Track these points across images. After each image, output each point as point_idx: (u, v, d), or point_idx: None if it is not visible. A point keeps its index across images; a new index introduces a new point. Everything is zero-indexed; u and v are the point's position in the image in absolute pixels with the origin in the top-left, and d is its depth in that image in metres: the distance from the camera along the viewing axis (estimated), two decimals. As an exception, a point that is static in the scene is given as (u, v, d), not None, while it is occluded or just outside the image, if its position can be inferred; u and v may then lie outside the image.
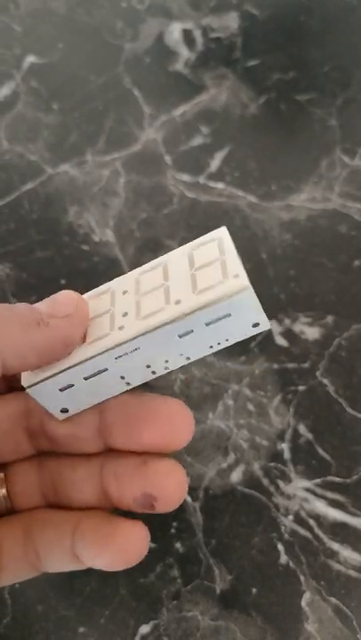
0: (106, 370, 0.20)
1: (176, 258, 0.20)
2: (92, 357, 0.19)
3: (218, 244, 0.20)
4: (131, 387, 0.21)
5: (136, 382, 0.20)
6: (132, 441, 0.21)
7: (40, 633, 0.31)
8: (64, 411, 0.21)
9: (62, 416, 0.21)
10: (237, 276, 0.18)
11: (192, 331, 0.19)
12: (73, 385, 0.20)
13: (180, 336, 0.19)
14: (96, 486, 0.22)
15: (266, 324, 0.19)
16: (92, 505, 0.22)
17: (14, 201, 0.40)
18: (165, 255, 0.21)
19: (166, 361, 0.20)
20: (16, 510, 0.23)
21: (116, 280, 0.21)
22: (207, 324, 0.19)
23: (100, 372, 0.20)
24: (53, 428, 0.22)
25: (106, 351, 0.19)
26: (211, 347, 0.20)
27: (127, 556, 0.21)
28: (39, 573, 0.22)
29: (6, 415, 0.22)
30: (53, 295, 0.20)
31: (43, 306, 0.20)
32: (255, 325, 0.19)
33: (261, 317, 0.19)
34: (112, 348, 0.19)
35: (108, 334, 0.19)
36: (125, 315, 0.19)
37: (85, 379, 0.20)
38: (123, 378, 0.20)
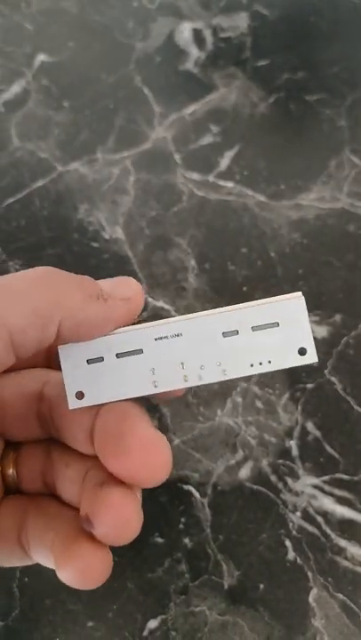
0: (141, 352, 0.19)
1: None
2: (131, 330, 0.19)
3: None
4: (157, 390, 0.20)
5: (163, 385, 0.20)
6: (104, 462, 0.20)
7: (48, 626, 0.32)
8: (79, 396, 0.20)
9: (74, 404, 0.20)
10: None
11: (237, 332, 0.19)
12: (102, 359, 0.20)
13: (224, 334, 0.19)
14: (78, 489, 0.21)
15: (313, 356, 0.19)
16: (74, 505, 0.21)
17: (25, 198, 0.40)
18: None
19: (202, 367, 0.19)
20: (22, 492, 0.23)
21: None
22: (253, 329, 0.19)
23: (134, 353, 0.19)
24: (57, 418, 0.21)
25: (148, 328, 0.19)
26: (251, 365, 0.19)
27: (84, 578, 0.19)
28: (31, 562, 0.22)
29: (22, 395, 0.22)
30: (115, 277, 0.21)
31: (104, 283, 0.20)
32: (302, 352, 0.19)
33: (309, 343, 0.19)
34: (154, 327, 0.19)
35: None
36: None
37: (117, 356, 0.20)
38: (153, 372, 0.20)
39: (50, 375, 0.23)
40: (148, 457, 0.19)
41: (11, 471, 0.23)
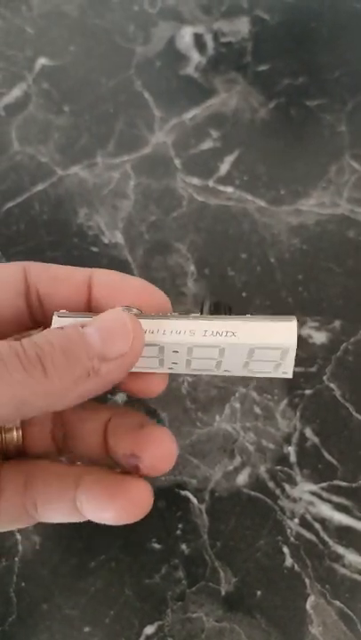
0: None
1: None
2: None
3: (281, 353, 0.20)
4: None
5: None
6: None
7: (45, 632, 0.32)
8: None
9: None
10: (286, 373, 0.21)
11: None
12: None
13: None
14: (100, 440, 0.23)
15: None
16: (94, 458, 0.23)
17: (25, 202, 0.40)
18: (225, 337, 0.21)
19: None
20: (26, 453, 0.24)
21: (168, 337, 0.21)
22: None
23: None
24: None
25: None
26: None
27: (134, 509, 0.21)
28: (34, 523, 0.23)
29: None
30: (108, 320, 0.19)
31: (96, 339, 0.19)
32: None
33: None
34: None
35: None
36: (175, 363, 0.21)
37: None
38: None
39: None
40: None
41: (15, 434, 0.24)
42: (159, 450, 0.22)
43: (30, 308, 0.23)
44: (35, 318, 0.23)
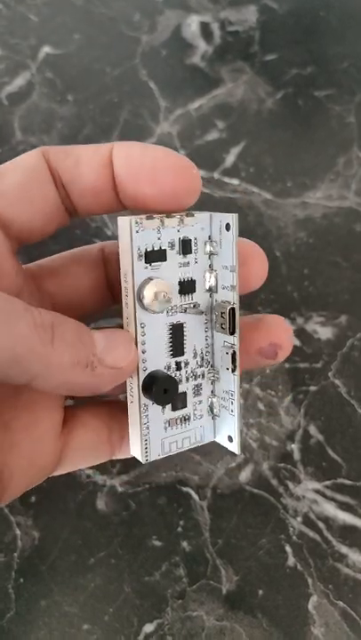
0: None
1: None
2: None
3: None
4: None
5: None
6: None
7: (43, 628, 0.31)
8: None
9: None
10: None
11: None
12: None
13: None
14: None
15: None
16: None
17: (27, 192, 0.40)
18: None
19: None
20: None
21: None
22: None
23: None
24: None
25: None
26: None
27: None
28: (110, 458, 0.23)
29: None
30: (117, 332, 0.20)
31: (101, 340, 0.19)
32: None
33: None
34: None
35: None
36: None
37: None
38: None
39: None
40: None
41: None
42: (290, 333, 0.23)
43: (60, 195, 0.22)
44: (66, 206, 0.22)
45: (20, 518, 0.33)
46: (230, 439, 0.23)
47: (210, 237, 0.22)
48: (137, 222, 0.20)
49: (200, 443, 0.23)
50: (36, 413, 0.21)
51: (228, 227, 0.21)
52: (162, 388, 0.21)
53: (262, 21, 0.45)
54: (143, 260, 0.21)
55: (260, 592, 0.31)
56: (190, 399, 0.23)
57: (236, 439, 0.23)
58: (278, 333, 0.23)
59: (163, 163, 0.20)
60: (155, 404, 0.21)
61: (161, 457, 0.22)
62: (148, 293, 0.20)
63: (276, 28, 0.45)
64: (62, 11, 0.45)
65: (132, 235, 0.20)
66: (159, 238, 0.21)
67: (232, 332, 0.21)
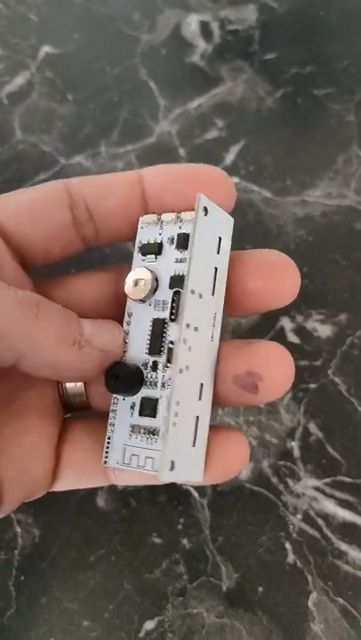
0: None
1: None
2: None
3: None
4: None
5: None
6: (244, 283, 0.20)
7: (43, 625, 0.31)
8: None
9: None
10: None
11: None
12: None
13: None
14: None
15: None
16: None
17: (27, 191, 0.40)
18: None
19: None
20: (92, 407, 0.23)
21: None
22: None
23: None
24: None
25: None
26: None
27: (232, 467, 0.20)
28: (107, 484, 0.22)
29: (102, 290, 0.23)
30: (104, 320, 0.20)
31: (88, 325, 0.19)
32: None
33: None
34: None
35: None
36: None
37: None
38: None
39: None
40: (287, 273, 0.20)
41: (78, 385, 0.23)
42: (279, 363, 0.18)
43: (76, 221, 0.22)
44: (82, 233, 0.22)
45: (21, 516, 0.33)
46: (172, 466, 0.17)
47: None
48: (142, 220, 0.22)
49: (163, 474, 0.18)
50: (28, 421, 0.21)
51: (205, 210, 0.19)
52: (115, 372, 0.19)
53: (262, 20, 0.45)
54: (140, 253, 0.21)
55: (260, 589, 0.31)
56: (162, 412, 0.19)
57: (167, 465, 0.17)
58: (260, 361, 0.18)
59: (196, 177, 0.21)
60: (125, 400, 0.20)
61: (120, 467, 0.20)
62: (129, 280, 0.21)
63: (275, 27, 0.45)
64: (62, 10, 0.46)
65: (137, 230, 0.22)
66: (160, 233, 0.21)
67: (173, 320, 0.20)
